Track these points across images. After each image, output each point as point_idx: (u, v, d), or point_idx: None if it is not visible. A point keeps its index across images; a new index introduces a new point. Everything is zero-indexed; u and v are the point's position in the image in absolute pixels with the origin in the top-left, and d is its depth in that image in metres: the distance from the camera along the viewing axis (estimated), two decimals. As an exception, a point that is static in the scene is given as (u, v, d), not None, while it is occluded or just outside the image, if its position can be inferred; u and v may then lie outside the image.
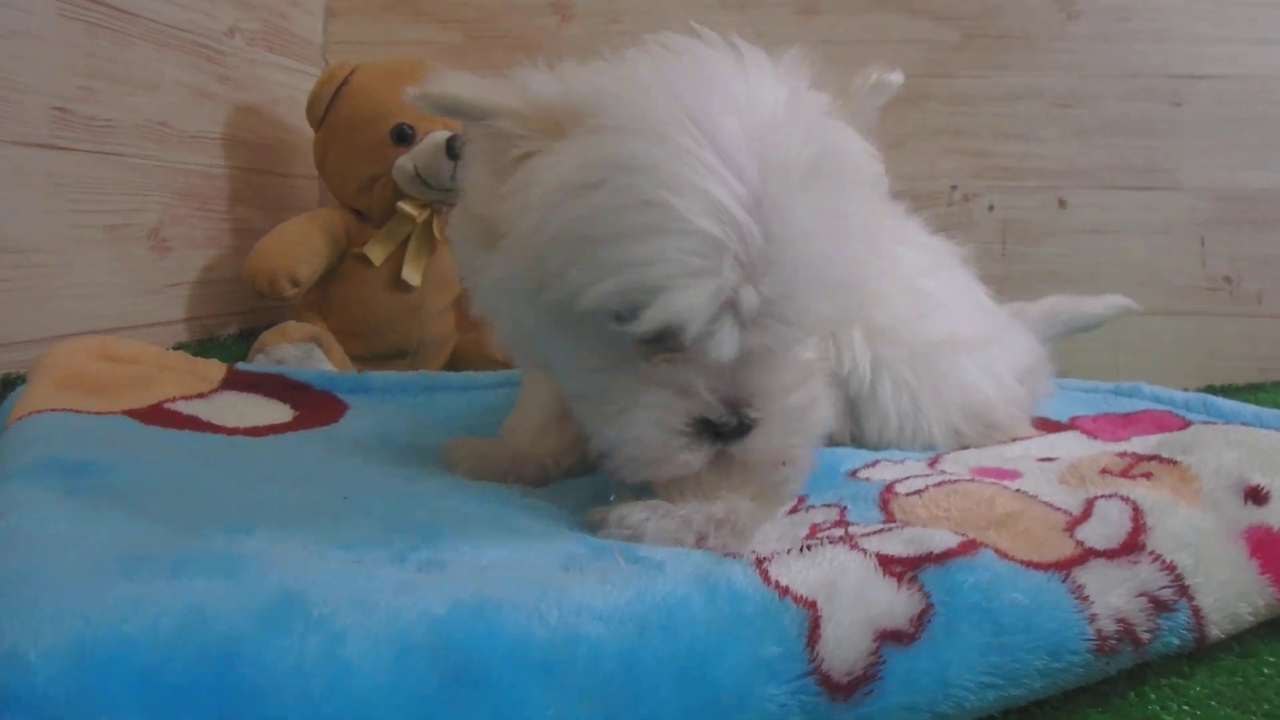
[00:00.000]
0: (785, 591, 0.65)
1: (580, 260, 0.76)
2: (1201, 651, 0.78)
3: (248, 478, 0.88)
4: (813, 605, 0.64)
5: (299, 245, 1.70)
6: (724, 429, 0.80)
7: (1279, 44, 2.05)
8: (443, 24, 2.21)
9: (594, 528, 0.83)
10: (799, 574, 0.67)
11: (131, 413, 1.04)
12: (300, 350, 1.61)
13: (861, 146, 0.86)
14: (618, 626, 0.59)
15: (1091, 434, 1.27)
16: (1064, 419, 1.36)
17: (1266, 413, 1.29)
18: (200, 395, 1.17)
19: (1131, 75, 2.08)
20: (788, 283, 0.76)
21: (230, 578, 0.57)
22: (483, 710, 0.53)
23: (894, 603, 0.67)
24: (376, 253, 1.77)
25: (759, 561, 0.69)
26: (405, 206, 1.76)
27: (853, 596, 0.66)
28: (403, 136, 1.75)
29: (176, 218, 1.69)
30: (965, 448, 1.22)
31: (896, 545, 0.73)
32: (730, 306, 0.76)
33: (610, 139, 0.76)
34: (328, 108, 1.80)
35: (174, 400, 1.12)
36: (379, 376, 1.37)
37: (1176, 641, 0.74)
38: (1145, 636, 0.73)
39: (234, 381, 1.24)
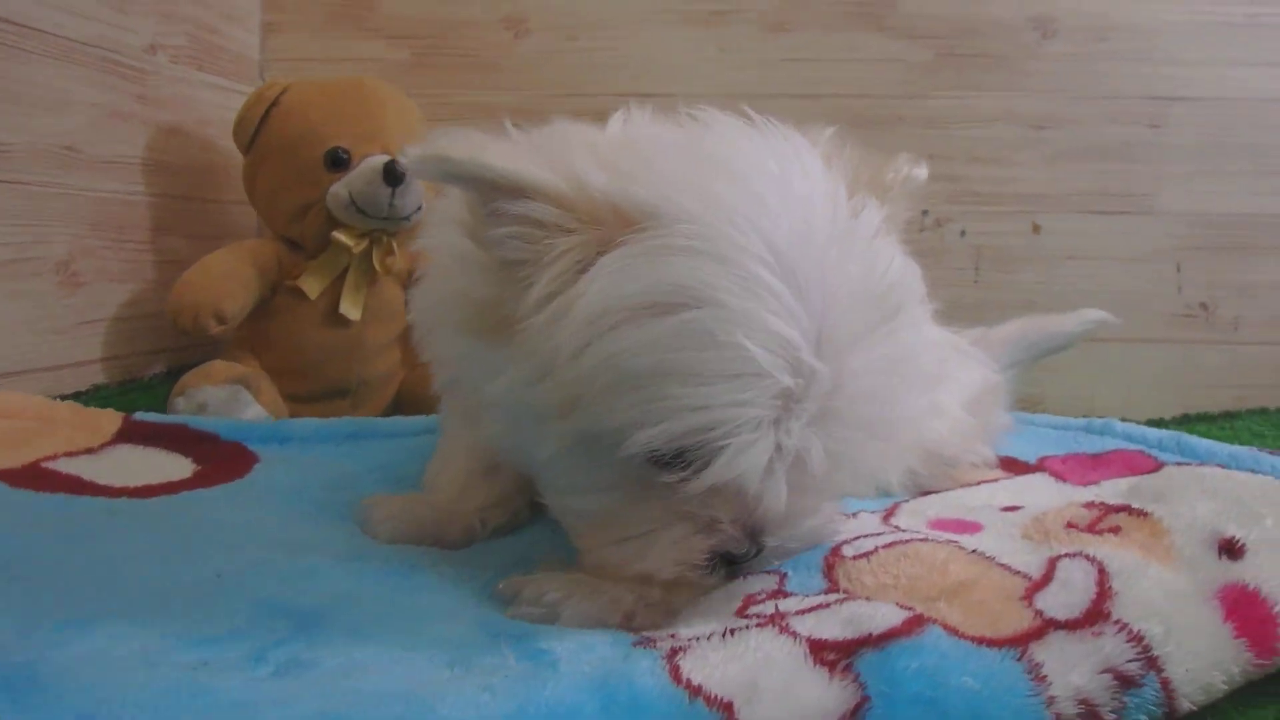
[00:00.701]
0: (697, 692, 0.56)
1: (631, 396, 0.68)
2: (1173, 721, 0.71)
3: (110, 554, 0.80)
4: (729, 708, 0.56)
5: (225, 279, 1.61)
6: (742, 560, 0.77)
7: (1259, 66, 2.00)
8: (390, 40, 2.12)
9: (506, 601, 0.76)
10: (715, 669, 0.59)
11: (1, 474, 0.95)
12: (225, 392, 1.52)
13: (913, 270, 0.80)
14: (492, 748, 0.50)
15: (1060, 476, 1.21)
16: (1032, 460, 1.31)
17: (1242, 452, 1.24)
18: (89, 451, 1.09)
19: (1109, 97, 2.02)
20: (849, 439, 0.72)
21: (15, 702, 0.48)
22: None
23: (824, 699, 0.59)
24: (312, 285, 1.67)
25: (672, 654, 0.60)
26: (341, 236, 1.66)
27: (777, 695, 0.58)
28: (337, 161, 1.66)
29: (88, 250, 1.59)
30: (923, 489, 1.17)
31: (832, 627, 0.66)
32: (792, 456, 0.71)
33: (681, 260, 0.68)
34: (256, 130, 1.70)
35: (55, 458, 1.03)
36: (296, 424, 1.29)
37: (1144, 718, 0.67)
38: (1110, 717, 0.65)
39: (130, 434, 1.16)
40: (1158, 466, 1.21)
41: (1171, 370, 2.05)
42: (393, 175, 1.62)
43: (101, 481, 1.00)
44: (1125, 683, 0.66)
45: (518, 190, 0.72)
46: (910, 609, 0.69)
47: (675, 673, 0.58)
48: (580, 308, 0.69)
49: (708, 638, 0.63)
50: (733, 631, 0.64)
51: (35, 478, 0.97)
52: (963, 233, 2.05)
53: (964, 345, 1.29)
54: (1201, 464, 1.20)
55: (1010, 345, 1.46)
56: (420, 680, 0.56)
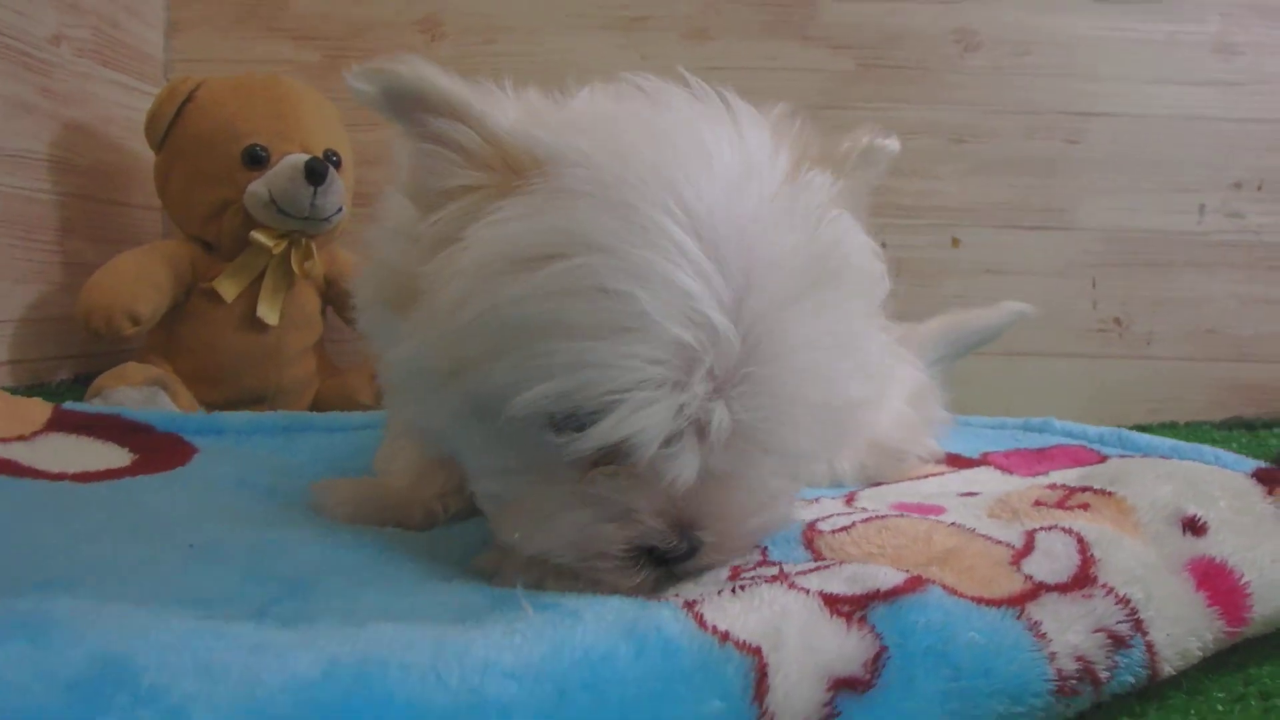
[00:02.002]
0: (725, 638, 0.55)
1: (513, 352, 0.63)
2: (1151, 690, 0.71)
3: (73, 530, 0.75)
4: (757, 652, 0.55)
5: (137, 280, 1.56)
6: (669, 555, 0.69)
7: (1177, 84, 2.05)
8: (300, 41, 2.08)
9: (486, 576, 0.73)
10: (737, 618, 0.57)
11: (-67, 460, 0.90)
12: (143, 394, 1.47)
13: (865, 244, 0.76)
14: (534, 687, 0.48)
15: (1006, 469, 1.23)
16: (974, 455, 1.31)
17: (1185, 446, 1.27)
18: (20, 438, 1.04)
19: (1030, 111, 2.06)
20: (766, 406, 0.66)
21: (33, 642, 0.45)
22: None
23: (844, 646, 0.58)
24: (228, 288, 1.63)
25: (689, 605, 0.59)
26: (259, 237, 1.62)
27: (800, 641, 0.57)
28: (255, 159, 1.62)
29: (-7, 247, 1.52)
30: (872, 481, 1.18)
31: (838, 584, 0.65)
32: (695, 425, 0.64)
33: (573, 205, 0.64)
34: (169, 127, 1.65)
35: (-13, 443, 0.98)
36: (232, 417, 1.24)
37: (1131, 679, 0.68)
38: (1104, 675, 0.66)
39: (61, 423, 1.11)
40: (1102, 459, 1.23)
41: (1085, 384, 2.08)
42: (315, 174, 1.59)
43: (39, 466, 0.95)
44: (1117, 643, 0.67)
45: (450, 109, 0.71)
46: (907, 572, 0.68)
47: (700, 620, 0.56)
48: (465, 257, 0.66)
49: (718, 593, 0.62)
50: (742, 587, 0.63)
51: (-29, 462, 0.92)
52: (883, 245, 2.05)
53: (894, 343, 1.30)
54: (1143, 456, 1.22)
55: (935, 341, 1.48)
56: (438, 630, 0.54)
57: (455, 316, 0.66)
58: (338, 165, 1.68)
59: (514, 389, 0.63)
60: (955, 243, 2.08)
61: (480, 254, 0.66)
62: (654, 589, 0.69)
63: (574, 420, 0.64)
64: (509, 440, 0.69)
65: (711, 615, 0.57)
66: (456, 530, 0.90)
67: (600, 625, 0.54)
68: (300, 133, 1.66)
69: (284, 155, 1.62)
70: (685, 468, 0.65)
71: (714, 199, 0.65)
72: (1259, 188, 2.08)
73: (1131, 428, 1.94)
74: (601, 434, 0.62)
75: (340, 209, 1.67)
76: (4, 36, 1.54)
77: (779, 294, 0.65)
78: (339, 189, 1.65)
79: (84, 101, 1.77)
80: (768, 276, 0.65)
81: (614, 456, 0.66)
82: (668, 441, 0.64)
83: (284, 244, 1.64)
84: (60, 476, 0.94)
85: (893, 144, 0.85)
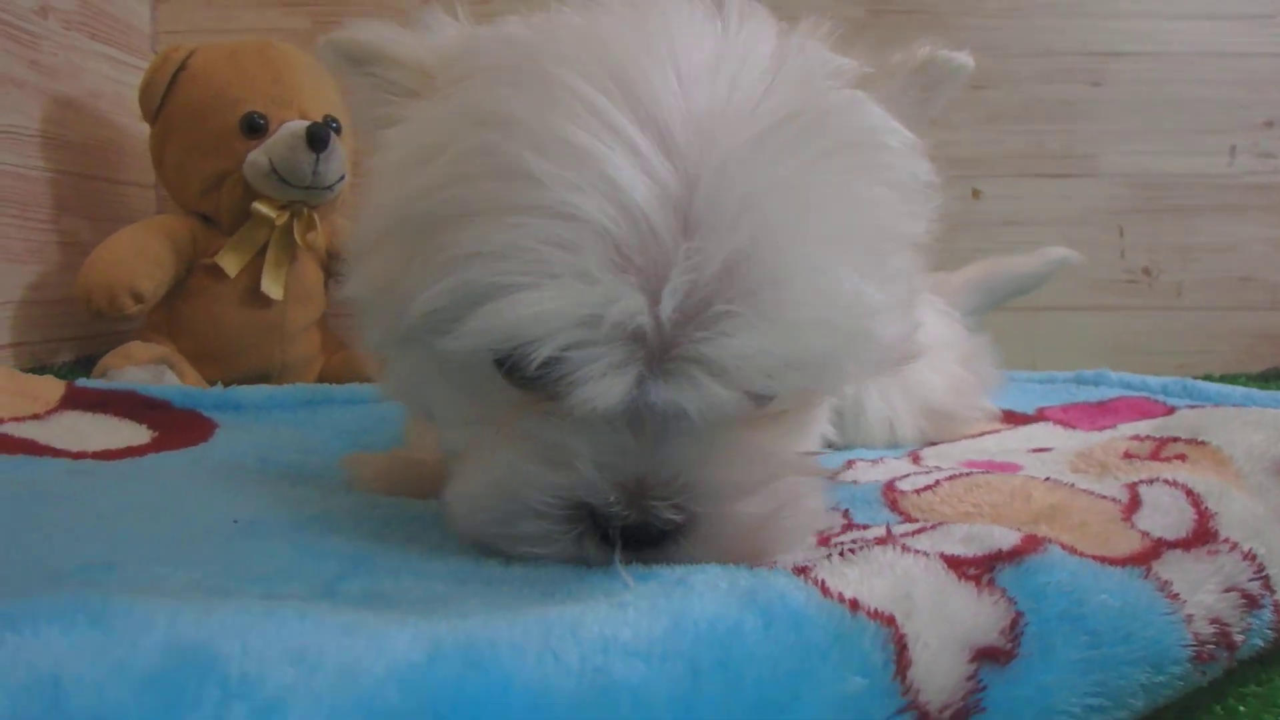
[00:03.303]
0: (855, 606, 0.49)
1: (419, 252, 0.56)
2: (1275, 653, 0.66)
3: (103, 509, 0.70)
4: (891, 621, 0.49)
5: (138, 256, 1.51)
6: (612, 523, 0.55)
7: (1199, 19, 2.00)
8: (288, 8, 2.02)
9: None
10: (861, 584, 0.51)
11: (-55, 440, 0.84)
12: (148, 373, 1.43)
13: (883, 123, 0.63)
14: (663, 667, 0.42)
15: (1066, 424, 1.17)
16: (1029, 410, 1.26)
17: (1258, 394, 1.21)
18: (35, 417, 0.99)
19: (1048, 54, 2.00)
20: (717, 313, 0.53)
21: (97, 627, 0.39)
22: (503, 803, 0.36)
23: (979, 613, 0.52)
24: (230, 262, 1.57)
25: (801, 571, 0.53)
26: (261, 208, 1.57)
27: (933, 609, 0.51)
28: (254, 127, 1.56)
29: (-11, 226, 1.46)
30: (929, 442, 1.14)
31: (955, 545, 0.59)
32: (622, 335, 0.52)
33: (473, 86, 0.57)
34: (164, 96, 1.60)
35: (1, 422, 0.93)
36: (250, 391, 1.20)
37: (1260, 643, 0.62)
38: (1239, 639, 0.60)
39: (75, 400, 1.06)
40: (1170, 410, 1.18)
41: (1112, 337, 2.04)
42: (317, 140, 1.54)
43: (58, 445, 0.91)
44: (1250, 603, 0.62)
45: (368, 57, 0.68)
46: (1020, 530, 0.62)
47: (823, 588, 0.50)
48: (377, 163, 0.62)
49: (826, 558, 0.56)
50: (851, 551, 0.57)
51: (-14, 441, 0.87)
52: (899, 199, 2.00)
53: (936, 302, 1.25)
54: (1216, 406, 1.17)
55: (971, 290, 1.43)
56: (533, 607, 0.48)
57: (371, 227, 0.61)
58: (338, 131, 1.62)
59: (416, 294, 0.55)
60: (976, 194, 2.02)
61: (388, 156, 0.61)
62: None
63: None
64: (462, 382, 0.61)
65: (833, 581, 0.51)
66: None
67: (718, 595, 0.48)
68: (299, 99, 1.61)
69: (283, 122, 1.57)
70: (606, 389, 0.52)
71: (657, 65, 0.55)
72: (1292, 125, 2.03)
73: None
74: (478, 326, 0.52)
75: (342, 177, 1.62)
76: (-10, 7, 1.48)
77: (741, 165, 0.54)
78: (340, 156, 1.60)
79: (73, 75, 1.71)
80: (728, 148, 0.54)
81: (552, 391, 0.55)
82: (580, 353, 0.52)
83: (286, 215, 1.60)
84: (81, 455, 0.90)
85: (963, 59, 0.74)
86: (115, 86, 1.82)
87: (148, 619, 0.39)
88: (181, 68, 1.59)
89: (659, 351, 0.53)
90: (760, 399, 0.59)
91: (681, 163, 0.53)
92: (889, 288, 0.58)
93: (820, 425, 0.78)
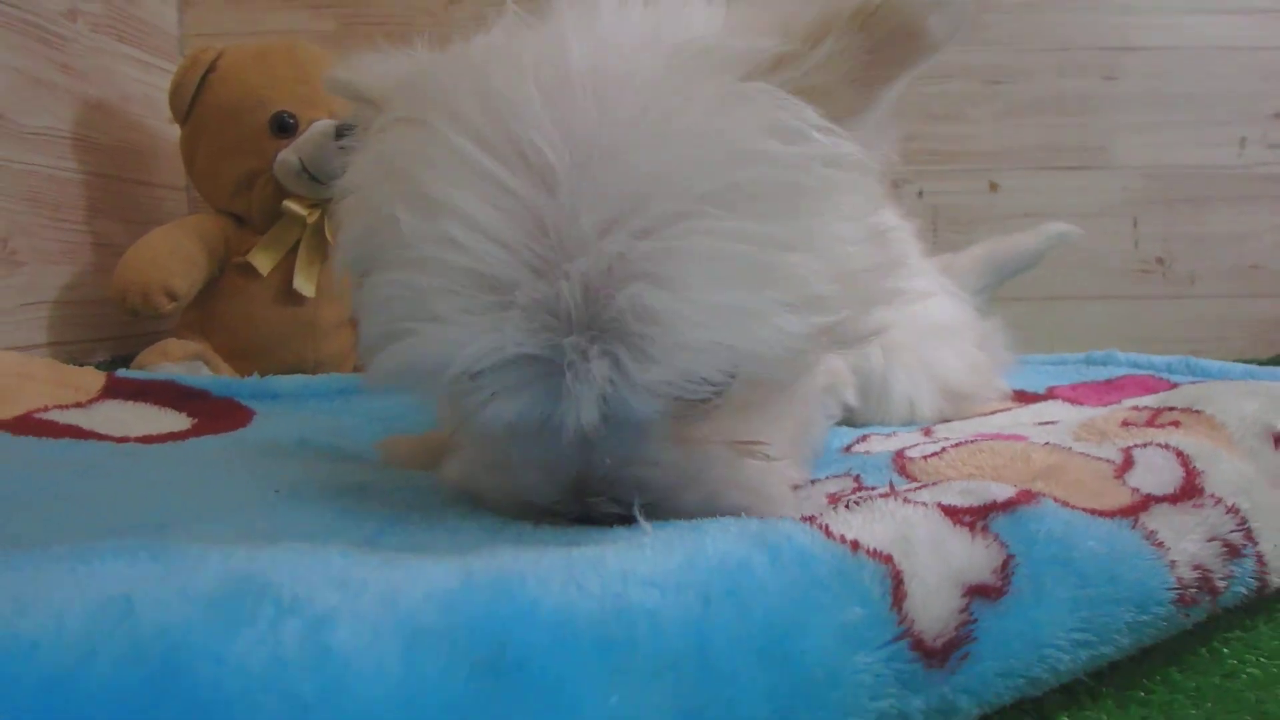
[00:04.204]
0: (856, 546, 0.53)
1: (359, 289, 0.61)
2: (1259, 603, 0.70)
3: (149, 483, 0.74)
4: (889, 560, 0.52)
5: (171, 255, 1.54)
6: (559, 519, 0.60)
7: (1211, 13, 2.02)
8: (315, 10, 2.05)
9: None
10: (863, 528, 0.55)
11: (-1, 424, 0.88)
12: (184, 369, 1.46)
13: (795, 115, 0.59)
14: (677, 596, 0.46)
15: (1074, 401, 1.20)
16: (1040, 390, 1.29)
17: (1260, 370, 1.24)
18: (78, 405, 1.03)
19: (1063, 48, 2.03)
20: (600, 335, 0.54)
21: (158, 560, 0.43)
22: (531, 706, 0.40)
23: (973, 554, 0.56)
24: (263, 261, 1.60)
25: (808, 519, 0.57)
26: (292, 206, 1.60)
27: (930, 550, 0.54)
28: (284, 126, 1.60)
29: (25, 227, 1.50)
30: (945, 420, 1.17)
31: (953, 497, 0.62)
32: (514, 361, 0.54)
33: (385, 134, 0.62)
34: (193, 98, 1.63)
35: (46, 409, 0.97)
36: (286, 380, 1.23)
37: (1243, 590, 0.66)
38: (1221, 585, 0.64)
39: (116, 390, 1.10)
40: (1173, 387, 1.19)
41: (1127, 326, 2.05)
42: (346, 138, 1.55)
43: (102, 431, 0.94)
44: (1231, 552, 0.66)
45: (356, 93, 0.72)
46: (1015, 486, 0.66)
47: (826, 531, 0.54)
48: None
49: (833, 509, 0.60)
50: (856, 502, 0.61)
51: (33, 426, 0.91)
52: (920, 193, 2.04)
53: (949, 285, 1.28)
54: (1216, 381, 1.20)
55: (976, 270, 1.46)
56: (560, 550, 0.52)
57: (338, 261, 0.65)
58: (367, 130, 1.64)
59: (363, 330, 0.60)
60: (994, 187, 2.05)
61: (338, 197, 0.65)
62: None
63: None
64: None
65: (837, 526, 0.55)
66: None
67: (729, 536, 0.52)
68: (327, 98, 1.62)
69: (312, 121, 1.60)
70: (503, 411, 0.56)
71: (542, 115, 0.55)
72: (1301, 117, 2.04)
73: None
74: (379, 370, 0.57)
75: (372, 174, 1.64)
76: (19, 10, 1.51)
77: (625, 204, 0.54)
78: (370, 154, 1.62)
79: (102, 78, 1.74)
80: (612, 187, 0.54)
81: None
82: (478, 387, 0.56)
83: (317, 213, 1.62)
84: (124, 439, 0.93)
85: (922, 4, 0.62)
86: (144, 89, 1.85)
87: (203, 555, 0.43)
88: (210, 69, 1.62)
89: (555, 371, 0.55)
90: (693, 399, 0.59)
91: (571, 204, 0.54)
92: (780, 292, 0.56)
93: (808, 405, 0.78)
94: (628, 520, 0.58)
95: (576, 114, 0.55)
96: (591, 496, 0.59)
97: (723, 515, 0.58)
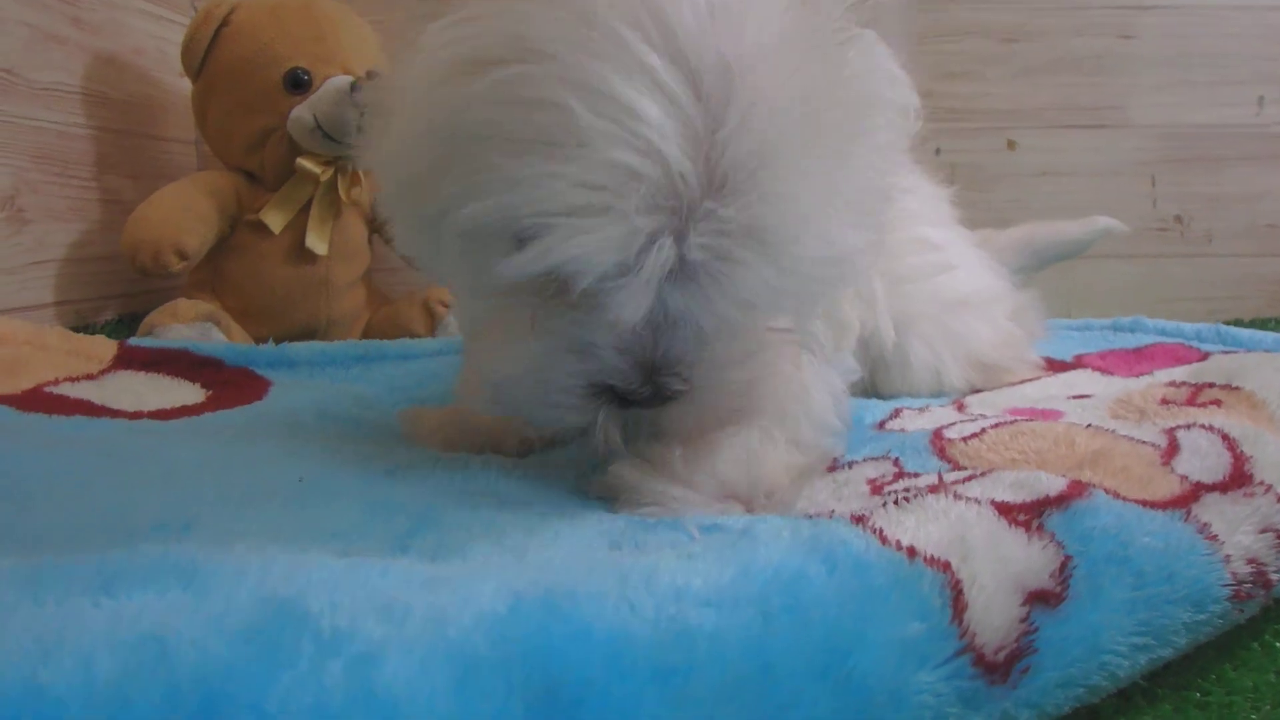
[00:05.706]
0: (913, 553, 0.51)
1: (456, 165, 0.60)
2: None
3: (167, 466, 0.72)
4: (947, 567, 0.50)
5: (183, 213, 1.50)
6: (632, 398, 0.64)
7: None
8: (330, -37, 1.98)
9: (609, 501, 0.69)
10: (917, 531, 0.53)
11: (2, 399, 0.86)
12: (195, 331, 1.42)
13: (889, 74, 0.67)
14: (735, 613, 0.44)
15: (1103, 370, 1.18)
16: (1067, 358, 1.27)
17: (1289, 337, 1.21)
18: (89, 377, 1.00)
19: (1079, 8, 1.99)
20: (730, 249, 0.58)
21: (190, 587, 0.41)
22: (589, 744, 0.38)
23: (1031, 557, 0.54)
24: (275, 219, 1.57)
25: (859, 520, 0.55)
26: (306, 164, 1.55)
27: (987, 553, 0.53)
28: (297, 83, 1.55)
29: (33, 184, 1.46)
30: (975, 390, 1.15)
31: (1004, 491, 0.61)
32: (647, 261, 0.57)
33: (529, 8, 0.58)
34: (206, 53, 1.58)
35: (56, 383, 0.95)
36: (302, 348, 1.20)
37: (1294, 582, 0.64)
38: (1274, 577, 0.62)
39: (128, 360, 1.07)
40: (1204, 357, 1.18)
41: (1145, 285, 2.04)
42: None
43: (114, 405, 0.92)
44: (1284, 542, 0.63)
45: None
46: (1065, 476, 0.64)
47: (880, 535, 0.52)
48: (417, 62, 0.62)
49: (883, 507, 0.58)
50: (906, 499, 0.59)
51: (42, 402, 0.89)
52: (938, 151, 2.00)
53: (985, 257, 1.26)
54: (1249, 352, 1.17)
55: (1016, 250, 1.43)
56: (604, 557, 0.50)
57: (407, 129, 0.63)
58: (383, 86, 1.61)
59: (456, 205, 0.60)
60: (1011, 145, 2.02)
61: (429, 59, 0.62)
62: (623, 439, 0.67)
63: (518, 240, 0.59)
64: (477, 255, 0.64)
65: (890, 530, 0.53)
66: (554, 456, 0.85)
67: (781, 544, 0.50)
68: (341, 54, 1.59)
69: (326, 78, 1.56)
70: (630, 306, 0.58)
71: (701, 23, 0.57)
72: (1318, 76, 2.02)
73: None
74: (529, 261, 0.57)
75: (387, 132, 1.61)
76: (31, -36, 1.47)
77: (766, 132, 0.57)
78: (387, 110, 1.58)
79: (114, 32, 1.69)
80: (754, 112, 0.57)
81: (570, 285, 0.60)
82: (615, 275, 0.57)
83: (331, 171, 1.58)
84: (138, 415, 0.91)
85: None
86: (157, 43, 1.80)
87: (235, 575, 0.41)
88: (224, 24, 1.57)
89: (682, 278, 0.59)
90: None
91: (710, 113, 0.56)
92: (866, 232, 0.65)
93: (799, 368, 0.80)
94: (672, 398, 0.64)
95: (726, 36, 0.57)
96: (663, 376, 0.64)
97: (754, 392, 0.68)
